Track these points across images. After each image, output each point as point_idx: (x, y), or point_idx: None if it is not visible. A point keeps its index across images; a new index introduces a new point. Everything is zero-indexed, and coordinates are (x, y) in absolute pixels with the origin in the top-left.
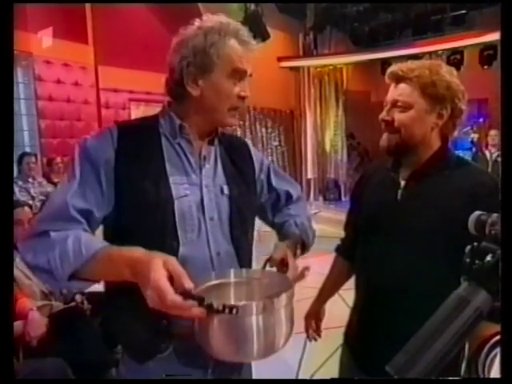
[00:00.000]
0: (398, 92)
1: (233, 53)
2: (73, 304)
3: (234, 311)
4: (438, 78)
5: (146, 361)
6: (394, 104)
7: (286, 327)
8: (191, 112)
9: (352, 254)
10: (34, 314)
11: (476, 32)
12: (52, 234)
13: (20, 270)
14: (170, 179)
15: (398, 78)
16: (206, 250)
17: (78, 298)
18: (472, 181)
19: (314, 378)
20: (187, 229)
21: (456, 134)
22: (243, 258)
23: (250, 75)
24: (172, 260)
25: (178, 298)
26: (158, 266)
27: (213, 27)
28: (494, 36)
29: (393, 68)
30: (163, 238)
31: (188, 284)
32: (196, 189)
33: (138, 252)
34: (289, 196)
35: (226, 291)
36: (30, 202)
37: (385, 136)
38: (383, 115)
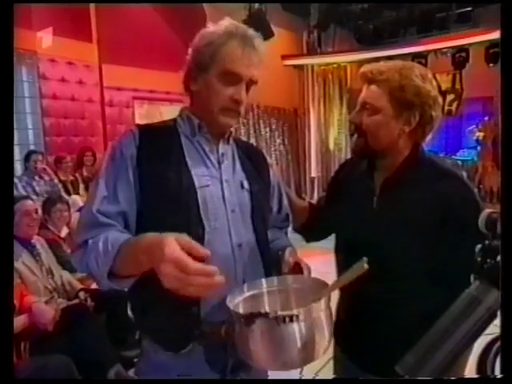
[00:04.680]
0: (367, 94)
1: (227, 55)
2: (76, 301)
3: (295, 318)
4: (407, 83)
5: (177, 351)
6: (364, 106)
7: (326, 334)
8: (198, 110)
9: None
10: (37, 304)
11: (481, 30)
12: (89, 242)
13: (26, 265)
14: (192, 171)
15: (369, 80)
16: (228, 241)
17: (82, 295)
18: (445, 187)
19: (318, 376)
20: (210, 217)
21: (428, 140)
22: (264, 251)
23: (254, 82)
24: (183, 235)
25: (199, 264)
26: (171, 242)
27: (220, 30)
28: (500, 34)
29: (364, 69)
30: (189, 226)
31: (204, 251)
32: (216, 182)
33: (148, 236)
34: (285, 221)
35: (260, 301)
36: (34, 197)
37: (353, 138)
38: (352, 117)
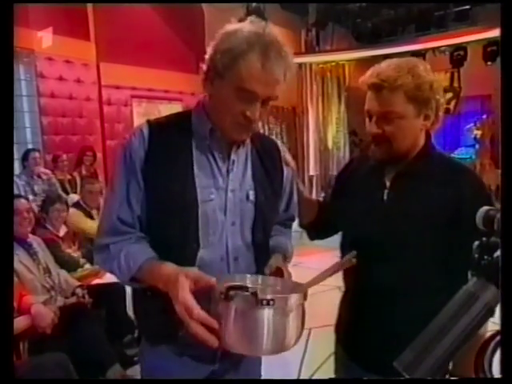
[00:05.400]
0: (384, 103)
1: (245, 70)
2: (74, 299)
3: (271, 303)
4: (422, 81)
5: (160, 343)
6: (383, 116)
7: (297, 327)
8: (212, 113)
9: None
10: (36, 306)
11: (479, 28)
12: (111, 247)
13: (23, 264)
14: (197, 182)
15: (380, 88)
16: (224, 254)
17: (79, 292)
18: (457, 179)
19: (316, 375)
20: (209, 232)
21: (438, 126)
22: (262, 264)
23: (272, 99)
24: (193, 270)
25: (203, 314)
26: (184, 283)
27: (241, 36)
28: (498, 32)
29: (373, 79)
30: (185, 239)
31: (211, 281)
32: (221, 193)
33: (168, 268)
34: (290, 219)
35: None
36: (30, 196)
37: (374, 147)
38: (373, 129)
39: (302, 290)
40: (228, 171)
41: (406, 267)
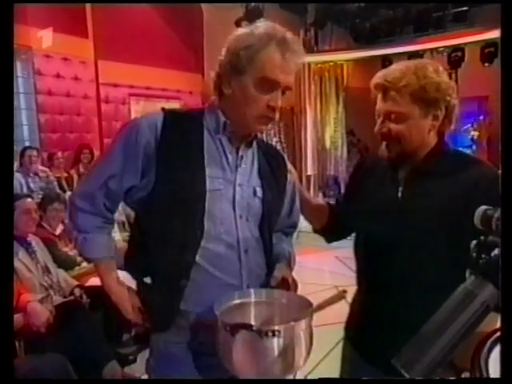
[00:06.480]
0: (389, 104)
1: (267, 61)
2: (71, 298)
3: (277, 333)
4: (427, 82)
5: (161, 330)
6: (388, 116)
7: (306, 348)
8: (227, 111)
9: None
10: (32, 304)
11: (477, 29)
12: (80, 215)
13: (22, 262)
14: (207, 171)
15: (385, 89)
16: (235, 246)
17: (77, 291)
18: (472, 172)
19: (314, 373)
20: (216, 221)
21: (453, 127)
22: (269, 258)
23: (289, 88)
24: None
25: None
26: (105, 273)
27: (259, 32)
28: (495, 33)
29: (378, 80)
30: (189, 226)
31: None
32: (230, 186)
33: (111, 282)
34: (293, 226)
35: (246, 311)
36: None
37: (384, 146)
38: (379, 128)
39: (305, 314)
40: (236, 166)
41: (420, 264)
